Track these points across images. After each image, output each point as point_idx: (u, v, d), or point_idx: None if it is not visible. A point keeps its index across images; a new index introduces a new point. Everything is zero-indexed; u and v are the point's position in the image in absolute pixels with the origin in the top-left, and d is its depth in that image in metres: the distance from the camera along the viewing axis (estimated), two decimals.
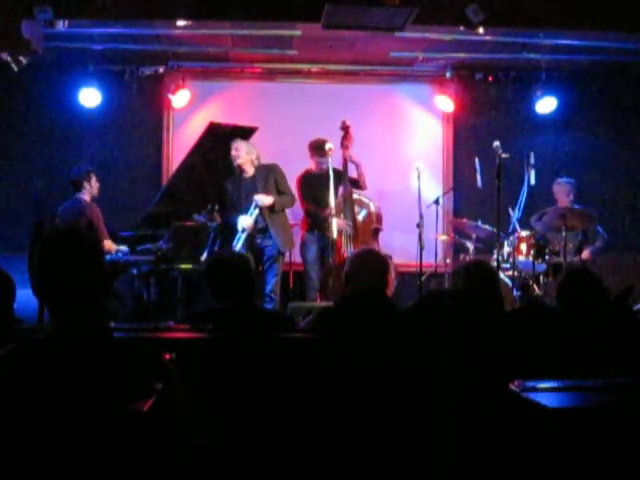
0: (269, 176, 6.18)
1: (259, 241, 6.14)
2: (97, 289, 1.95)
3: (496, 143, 5.84)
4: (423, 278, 6.32)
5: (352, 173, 6.49)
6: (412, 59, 7.36)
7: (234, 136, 6.20)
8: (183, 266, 5.89)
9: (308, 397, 2.75)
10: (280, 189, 6.20)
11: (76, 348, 1.85)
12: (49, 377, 1.80)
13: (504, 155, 5.75)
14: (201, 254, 5.88)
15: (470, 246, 6.57)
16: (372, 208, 6.48)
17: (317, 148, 6.34)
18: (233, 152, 6.13)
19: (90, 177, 6.20)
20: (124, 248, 5.97)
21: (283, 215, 6.30)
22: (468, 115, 7.66)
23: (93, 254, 1.98)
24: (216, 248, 5.89)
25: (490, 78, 7.63)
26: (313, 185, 6.43)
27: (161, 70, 7.35)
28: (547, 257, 6.29)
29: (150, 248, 5.94)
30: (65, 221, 6.03)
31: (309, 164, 6.55)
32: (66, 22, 5.77)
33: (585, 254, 6.44)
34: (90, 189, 6.18)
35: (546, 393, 2.12)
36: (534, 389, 2.13)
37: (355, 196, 6.41)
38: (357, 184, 6.54)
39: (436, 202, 6.54)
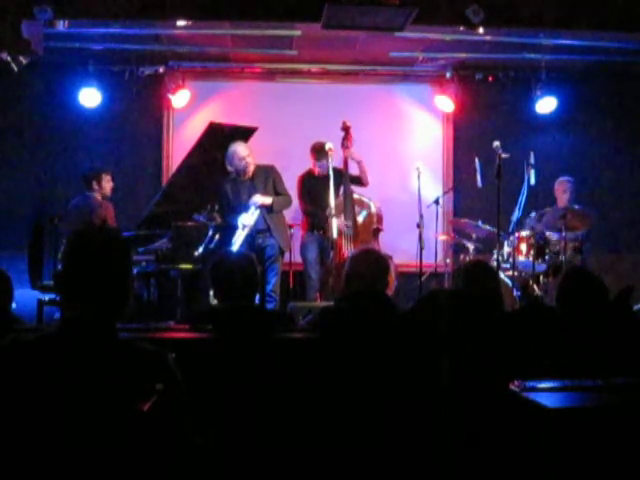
0: (268, 178, 6.23)
1: (260, 241, 6.16)
2: (124, 290, 1.94)
3: (496, 143, 5.84)
4: (423, 278, 6.32)
5: (353, 171, 6.48)
6: (412, 59, 7.36)
7: (234, 136, 6.20)
8: (183, 266, 5.88)
9: (308, 397, 2.75)
10: (278, 191, 6.25)
11: (80, 345, 1.85)
12: (51, 373, 1.80)
13: (504, 155, 5.75)
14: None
15: (470, 246, 6.56)
16: (372, 209, 6.48)
17: (316, 151, 6.35)
18: (248, 159, 6.12)
19: (100, 178, 6.21)
20: None
21: (282, 215, 6.36)
22: (468, 115, 7.65)
23: (126, 257, 1.98)
24: (212, 246, 5.88)
25: (490, 78, 7.62)
26: (314, 185, 6.43)
27: (161, 70, 7.34)
28: (547, 257, 6.29)
29: (150, 248, 5.93)
30: (75, 217, 6.02)
31: (310, 164, 6.55)
32: (66, 22, 5.77)
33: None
34: (100, 189, 6.20)
35: (546, 393, 2.13)
36: (534, 389, 2.13)
37: (355, 196, 6.41)
38: (359, 181, 6.53)
39: (436, 202, 6.53)
